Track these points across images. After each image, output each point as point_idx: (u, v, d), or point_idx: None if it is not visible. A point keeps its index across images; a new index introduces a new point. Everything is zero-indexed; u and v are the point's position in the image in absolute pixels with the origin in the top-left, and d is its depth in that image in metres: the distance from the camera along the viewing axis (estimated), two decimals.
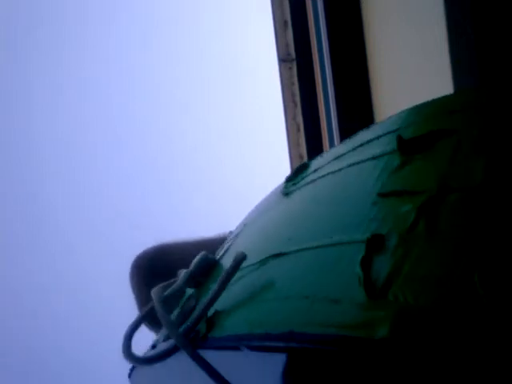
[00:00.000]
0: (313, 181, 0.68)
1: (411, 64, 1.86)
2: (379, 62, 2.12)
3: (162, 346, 0.65)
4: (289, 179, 0.73)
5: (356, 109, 2.19)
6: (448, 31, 1.47)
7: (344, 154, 0.66)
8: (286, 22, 2.56)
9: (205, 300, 0.60)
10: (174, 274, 0.90)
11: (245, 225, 0.79)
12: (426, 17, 1.65)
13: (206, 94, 6.17)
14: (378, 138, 0.63)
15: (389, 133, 0.62)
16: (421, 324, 0.41)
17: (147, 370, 0.74)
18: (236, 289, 0.60)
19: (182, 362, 0.61)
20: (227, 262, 0.68)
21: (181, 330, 0.60)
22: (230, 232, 0.84)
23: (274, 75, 2.64)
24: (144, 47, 6.34)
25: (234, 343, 0.55)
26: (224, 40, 6.11)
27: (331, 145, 2.38)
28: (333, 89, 2.20)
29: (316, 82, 2.41)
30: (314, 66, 2.41)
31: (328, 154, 0.71)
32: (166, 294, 0.71)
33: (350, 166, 0.63)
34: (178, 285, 0.72)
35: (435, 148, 0.54)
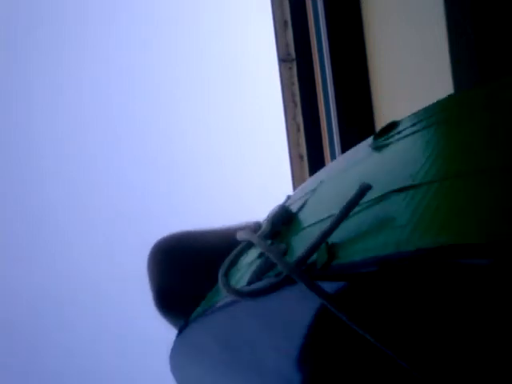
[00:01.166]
0: (414, 132, 0.66)
1: (411, 64, 1.86)
2: (379, 62, 2.12)
3: (260, 284, 0.59)
4: (378, 137, 0.71)
5: (356, 109, 2.19)
6: (448, 31, 1.48)
7: (444, 109, 0.66)
8: (286, 22, 2.56)
9: (319, 231, 0.55)
10: (195, 263, 0.88)
11: (321, 181, 0.75)
12: (426, 17, 1.65)
13: (206, 94, 6.17)
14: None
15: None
16: None
17: (200, 328, 0.71)
18: (355, 222, 0.55)
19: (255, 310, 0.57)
20: (307, 216, 0.66)
21: (291, 261, 0.55)
22: (289, 196, 0.81)
23: (274, 75, 2.65)
24: (144, 47, 6.34)
25: (373, 267, 0.49)
26: (224, 40, 6.11)
27: (331, 145, 2.38)
28: (333, 89, 2.21)
29: (316, 82, 2.41)
30: (314, 66, 2.41)
31: (424, 110, 0.70)
32: (258, 234, 0.66)
33: (449, 119, 0.63)
34: (264, 230, 0.67)
35: None
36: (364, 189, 0.56)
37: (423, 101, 0.69)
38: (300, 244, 0.60)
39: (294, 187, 2.72)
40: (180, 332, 0.76)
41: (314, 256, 0.54)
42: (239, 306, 0.62)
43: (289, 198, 0.80)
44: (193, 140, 6.27)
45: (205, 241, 0.91)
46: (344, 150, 2.20)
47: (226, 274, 0.65)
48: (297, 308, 0.57)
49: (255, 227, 0.72)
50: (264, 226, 0.68)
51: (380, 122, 2.08)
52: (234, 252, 0.70)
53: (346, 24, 2.17)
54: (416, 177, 0.56)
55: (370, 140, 0.73)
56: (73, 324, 5.97)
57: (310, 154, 2.62)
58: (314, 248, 0.54)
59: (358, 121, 2.17)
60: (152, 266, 0.92)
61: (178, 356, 0.79)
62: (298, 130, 2.65)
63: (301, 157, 2.68)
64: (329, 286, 0.51)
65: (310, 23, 2.39)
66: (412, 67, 1.86)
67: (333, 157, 2.36)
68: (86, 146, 6.32)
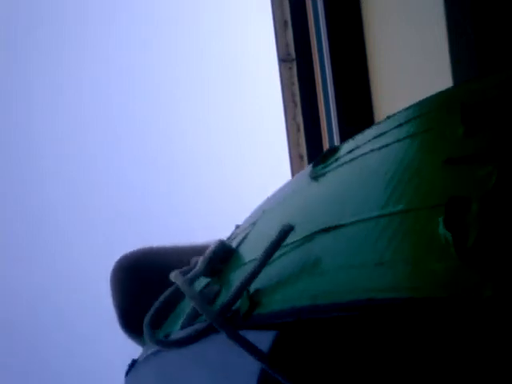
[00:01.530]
0: (352, 159, 0.63)
1: (411, 64, 1.86)
2: (379, 62, 2.12)
3: (186, 332, 0.59)
4: (316, 164, 0.69)
5: (356, 109, 2.19)
6: (448, 31, 1.47)
7: (384, 132, 0.63)
8: (286, 22, 2.56)
9: (242, 275, 0.54)
10: (158, 280, 0.86)
11: (263, 211, 0.74)
12: (426, 17, 1.65)
13: (206, 94, 6.17)
14: (420, 115, 0.61)
15: (431, 110, 0.60)
16: None
17: (148, 368, 0.69)
18: (277, 266, 0.54)
19: (194, 352, 0.56)
20: (247, 251, 0.65)
21: (214, 309, 0.54)
22: (237, 226, 0.80)
23: (274, 75, 2.64)
24: (144, 47, 6.34)
25: (292, 318, 0.48)
26: (224, 40, 6.11)
27: (331, 145, 2.38)
28: (333, 89, 2.20)
29: (316, 82, 2.41)
30: (314, 66, 2.41)
31: (362, 135, 0.67)
32: (188, 277, 0.64)
33: (397, 141, 0.59)
34: (198, 270, 0.65)
35: (500, 118, 0.53)
36: (285, 231, 0.55)
37: None
38: (236, 282, 0.58)
39: None
40: (127, 372, 0.75)
41: (239, 302, 0.54)
42: (171, 353, 0.61)
43: (237, 227, 0.79)
44: (192, 140, 6.27)
45: (167, 258, 0.89)
46: None
47: (150, 323, 0.62)
48: (227, 352, 0.55)
49: (194, 263, 0.69)
50: (198, 266, 0.67)
51: None
52: (161, 297, 0.68)
53: (345, 24, 2.17)
54: (342, 215, 0.54)
55: (309, 167, 0.71)
56: (72, 324, 5.98)
57: (309, 153, 2.62)
58: (236, 295, 0.54)
59: (358, 121, 2.17)
60: (113, 285, 0.91)
61: None
62: (298, 130, 2.65)
63: (301, 157, 2.68)
64: (252, 335, 0.51)
65: (310, 23, 2.39)
66: (412, 67, 1.86)
67: None
68: (85, 145, 6.32)
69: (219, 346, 0.54)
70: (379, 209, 0.51)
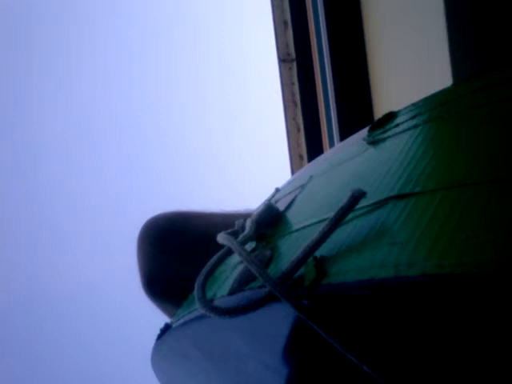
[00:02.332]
0: (414, 126, 0.59)
1: (411, 64, 1.85)
2: (379, 62, 2.12)
3: (240, 299, 0.54)
4: (373, 129, 0.65)
5: (356, 109, 2.19)
6: (448, 31, 1.47)
7: (446, 102, 0.60)
8: (285, 22, 2.56)
9: (309, 241, 0.48)
10: (186, 245, 0.81)
11: (311, 176, 0.69)
12: (426, 17, 1.65)
13: (206, 94, 6.17)
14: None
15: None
16: None
17: (184, 333, 0.65)
18: (347, 232, 0.50)
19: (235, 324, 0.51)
20: (296, 216, 0.61)
21: (275, 276, 0.49)
22: (277, 189, 0.75)
23: (273, 75, 2.65)
24: (144, 47, 6.34)
25: (369, 290, 0.43)
26: (224, 40, 6.10)
27: (331, 145, 2.38)
28: (333, 89, 2.20)
29: (316, 82, 2.41)
30: (314, 66, 2.41)
31: (424, 102, 0.64)
32: (239, 239, 0.59)
33: (470, 109, 0.56)
34: (247, 233, 0.60)
35: None
36: (357, 196, 0.50)
37: None
38: (288, 250, 0.55)
39: None
40: (159, 336, 0.70)
41: (301, 270, 0.49)
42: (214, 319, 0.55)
43: (278, 190, 0.75)
44: (192, 140, 6.26)
45: (199, 223, 0.85)
46: None
47: (203, 286, 0.58)
48: (282, 325, 0.51)
49: (239, 226, 0.66)
50: (247, 229, 0.62)
51: None
52: (213, 260, 0.62)
53: (345, 24, 2.17)
54: (417, 182, 0.50)
55: (365, 132, 0.67)
56: (71, 323, 5.97)
57: (310, 154, 2.62)
58: (299, 262, 0.49)
59: (358, 121, 2.17)
60: (141, 249, 0.86)
61: (159, 359, 0.74)
62: (298, 130, 2.65)
63: (301, 157, 2.68)
64: (317, 306, 0.46)
65: (310, 23, 2.39)
66: (412, 67, 1.85)
67: None
68: (85, 145, 6.32)
69: (272, 317, 0.51)
70: (449, 182, 0.48)
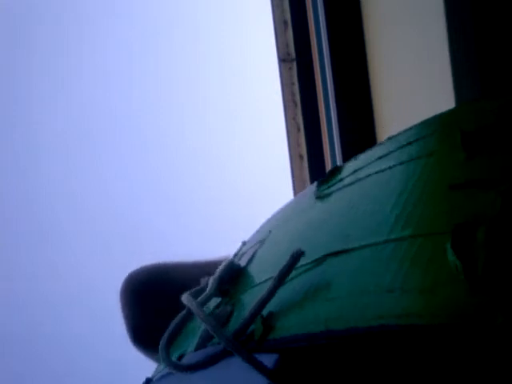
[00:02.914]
0: (356, 181, 0.64)
1: (411, 64, 1.86)
2: (379, 62, 2.12)
3: (201, 355, 0.60)
4: (321, 183, 0.70)
5: (356, 109, 2.19)
6: (448, 31, 1.48)
7: (386, 154, 0.64)
8: (285, 22, 2.56)
9: (256, 299, 0.55)
10: (169, 296, 0.84)
11: (270, 231, 0.74)
12: (426, 17, 1.65)
13: (206, 94, 6.17)
14: (422, 137, 0.61)
15: (433, 132, 0.61)
16: None
17: None
18: (289, 289, 0.55)
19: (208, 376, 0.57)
20: (257, 271, 0.66)
21: (229, 333, 0.55)
22: (244, 243, 0.80)
23: (274, 75, 2.65)
24: (144, 47, 6.34)
25: (306, 343, 0.49)
26: (224, 40, 6.11)
27: (331, 145, 2.38)
28: (333, 89, 2.21)
29: (316, 82, 2.41)
30: (314, 66, 2.41)
31: (365, 156, 0.68)
32: (199, 300, 0.65)
33: (401, 163, 0.60)
34: (209, 292, 0.66)
35: (498, 142, 0.54)
36: (296, 256, 0.56)
37: (423, 100, 0.68)
38: (248, 304, 0.60)
39: (294, 187, 2.72)
40: None
41: (252, 326, 0.55)
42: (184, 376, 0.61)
43: (244, 244, 0.79)
44: (192, 140, 6.27)
45: (177, 276, 0.89)
46: (344, 149, 2.20)
47: (167, 347, 0.63)
48: (238, 376, 0.55)
49: (205, 284, 0.70)
50: (209, 287, 0.67)
51: (380, 122, 2.08)
52: (175, 321, 0.68)
53: (346, 24, 2.17)
54: (352, 237, 0.55)
55: (314, 186, 0.72)
56: (70, 327, 5.98)
57: (309, 153, 2.62)
58: (251, 319, 0.54)
59: (358, 121, 2.17)
60: (124, 303, 0.91)
61: None
62: (298, 130, 2.65)
63: (301, 157, 2.68)
64: (267, 358, 0.51)
65: (310, 23, 2.39)
66: (412, 67, 1.86)
67: (333, 157, 2.36)
68: (85, 145, 6.33)
69: (231, 367, 0.56)
70: (386, 234, 0.52)
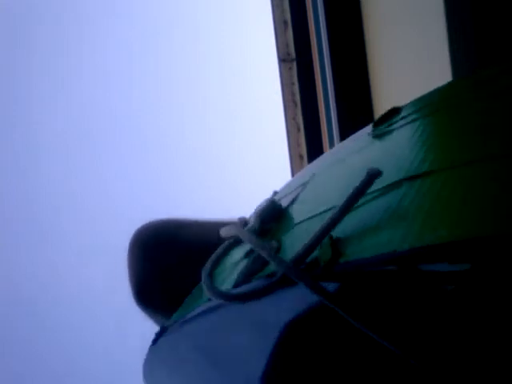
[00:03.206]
0: (422, 116, 0.61)
1: (411, 64, 1.85)
2: (379, 62, 2.12)
3: (245, 288, 0.52)
4: (378, 123, 0.66)
5: (356, 109, 2.19)
6: (448, 31, 1.47)
7: (449, 97, 0.63)
8: (285, 22, 2.56)
9: (324, 222, 0.47)
10: (176, 253, 0.80)
11: (313, 174, 0.69)
12: (426, 17, 1.65)
13: (206, 94, 6.17)
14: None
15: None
16: None
17: (177, 336, 0.63)
18: (361, 214, 0.49)
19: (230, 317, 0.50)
20: (300, 212, 0.60)
21: (287, 259, 0.47)
22: (275, 192, 0.74)
23: (274, 75, 2.64)
24: (144, 47, 6.34)
25: (391, 264, 0.42)
26: (224, 40, 6.11)
27: (331, 145, 2.38)
28: (333, 89, 2.20)
29: (316, 82, 2.41)
30: (314, 66, 2.41)
31: (429, 96, 0.67)
32: (246, 228, 0.58)
33: (468, 102, 0.59)
34: (252, 226, 0.59)
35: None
36: (373, 175, 0.49)
37: None
38: (294, 242, 0.53)
39: None
40: (155, 341, 0.68)
41: (315, 253, 0.47)
42: (226, 311, 0.54)
43: (276, 193, 0.74)
44: (192, 141, 6.27)
45: (188, 232, 0.84)
46: None
47: (211, 275, 0.56)
48: (295, 310, 0.49)
49: (241, 223, 0.65)
50: (252, 222, 0.61)
51: None
52: (218, 250, 0.61)
53: (345, 24, 2.17)
54: (423, 165, 0.50)
55: (369, 128, 0.67)
56: (68, 321, 5.97)
57: (310, 153, 2.62)
58: (314, 244, 0.46)
59: (358, 121, 2.17)
60: (131, 257, 0.85)
61: (152, 366, 0.71)
62: (298, 130, 2.65)
63: (301, 157, 2.68)
64: (334, 287, 0.44)
65: (310, 23, 2.39)
66: (412, 67, 1.85)
67: None
68: (85, 145, 6.32)
69: (284, 305, 0.49)
70: (466, 152, 0.50)
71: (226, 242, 0.62)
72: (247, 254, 0.57)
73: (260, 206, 0.63)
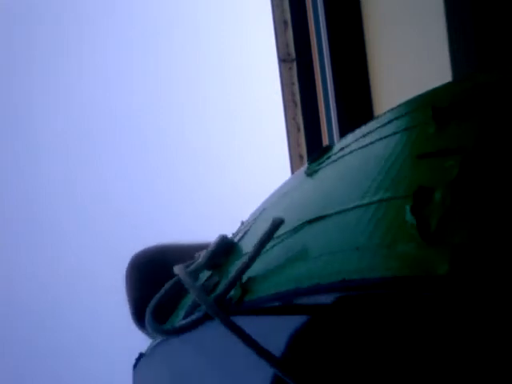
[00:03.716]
0: (341, 157, 0.69)
1: (411, 64, 1.86)
2: (379, 62, 2.12)
3: (186, 321, 0.63)
4: (312, 161, 0.74)
5: (356, 109, 2.19)
6: (448, 31, 1.47)
7: (371, 131, 0.69)
8: (285, 22, 2.56)
9: (237, 267, 0.58)
10: (172, 276, 0.89)
11: (264, 209, 0.78)
12: (426, 17, 1.65)
13: (206, 94, 6.17)
14: (402, 115, 0.66)
15: (412, 111, 0.66)
16: (479, 262, 0.43)
17: (154, 359, 0.72)
18: (269, 255, 0.58)
19: (202, 340, 0.60)
20: (247, 245, 0.68)
21: (211, 298, 0.58)
22: (242, 222, 0.83)
23: (274, 75, 2.64)
24: (144, 47, 6.34)
25: (278, 302, 0.53)
26: (224, 40, 6.11)
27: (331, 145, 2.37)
28: (333, 89, 2.20)
29: (316, 82, 2.41)
30: (314, 66, 2.41)
31: (353, 134, 0.74)
32: (189, 269, 0.68)
33: (380, 139, 0.65)
34: (200, 262, 0.69)
35: (465, 117, 0.58)
36: (277, 223, 0.58)
37: None
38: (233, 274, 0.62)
39: None
40: (135, 366, 0.77)
41: (232, 292, 0.58)
42: (175, 341, 0.64)
43: (242, 223, 0.82)
44: (192, 141, 6.27)
45: (182, 256, 0.92)
46: None
47: (153, 312, 0.66)
48: (218, 339, 0.58)
49: (198, 257, 0.72)
50: (200, 258, 0.70)
51: None
52: (165, 287, 0.71)
53: (346, 24, 2.17)
54: (327, 207, 0.58)
55: (306, 165, 0.76)
56: (68, 322, 5.98)
57: (309, 153, 2.62)
58: (231, 284, 0.57)
59: (358, 121, 2.16)
60: (128, 282, 0.94)
61: None
62: (298, 129, 2.65)
63: (301, 157, 2.68)
64: (245, 320, 0.54)
65: (310, 23, 2.39)
66: (412, 67, 1.86)
67: None
68: (85, 145, 6.33)
69: (218, 333, 0.57)
70: (359, 199, 0.56)
71: (174, 279, 0.72)
72: None
73: (213, 241, 0.72)
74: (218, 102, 6.16)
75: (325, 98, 2.33)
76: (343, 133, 2.21)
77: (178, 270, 0.69)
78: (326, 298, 0.49)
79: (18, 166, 6.35)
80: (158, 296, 0.69)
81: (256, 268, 0.58)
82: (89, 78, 6.28)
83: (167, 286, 0.71)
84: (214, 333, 0.58)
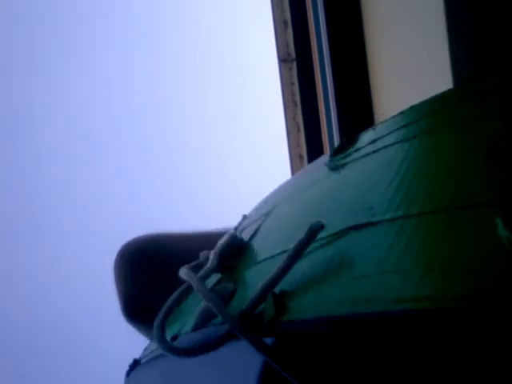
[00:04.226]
0: (374, 151, 0.58)
1: (411, 64, 1.85)
2: (379, 62, 2.12)
3: (201, 336, 0.53)
4: (335, 154, 0.64)
5: (356, 109, 2.19)
6: (448, 31, 1.47)
7: (408, 124, 0.58)
8: (285, 22, 2.56)
9: (268, 276, 0.48)
10: (164, 268, 0.79)
11: (276, 205, 0.69)
12: (426, 17, 1.65)
13: (206, 94, 6.17)
14: (444, 108, 0.56)
15: (453, 105, 0.56)
16: None
17: (151, 369, 0.63)
18: (307, 265, 0.49)
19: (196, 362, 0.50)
20: (261, 245, 0.61)
21: (235, 314, 0.48)
22: (245, 216, 0.75)
23: (274, 75, 2.64)
24: (144, 47, 6.34)
25: (328, 326, 0.42)
26: (224, 40, 6.11)
27: (331, 145, 2.38)
28: (333, 89, 2.20)
29: (316, 82, 2.41)
30: (314, 66, 2.41)
31: (383, 125, 0.62)
32: (200, 275, 0.58)
33: (423, 133, 0.55)
34: (210, 266, 0.59)
35: None
36: (315, 229, 0.49)
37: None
38: (252, 282, 0.54)
39: None
40: (128, 373, 0.69)
41: (261, 307, 0.48)
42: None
43: (245, 217, 0.74)
44: (192, 141, 6.26)
45: (175, 245, 0.85)
46: None
47: (162, 326, 0.55)
48: (244, 361, 0.49)
49: (204, 258, 0.64)
50: (210, 262, 0.61)
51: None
52: (173, 296, 0.61)
53: (346, 24, 2.17)
54: (376, 210, 0.48)
55: (327, 157, 0.66)
56: (64, 318, 5.97)
57: (309, 153, 2.62)
58: (261, 297, 0.48)
59: (359, 121, 2.16)
60: (118, 273, 0.86)
61: None
62: (298, 129, 2.65)
63: (301, 157, 2.68)
64: (276, 343, 0.45)
65: (310, 23, 2.39)
66: (412, 67, 1.85)
67: None
68: (85, 144, 6.32)
69: (233, 355, 0.50)
70: (419, 204, 0.46)
71: (183, 287, 0.62)
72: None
73: (223, 239, 0.63)
74: (217, 101, 6.15)
75: (325, 98, 2.33)
76: (343, 133, 2.21)
77: (187, 275, 0.60)
78: (390, 329, 0.40)
79: (17, 165, 6.35)
80: (165, 308, 0.59)
81: (289, 279, 0.48)
82: (89, 77, 6.28)
83: (176, 294, 0.61)
84: (229, 349, 0.49)
